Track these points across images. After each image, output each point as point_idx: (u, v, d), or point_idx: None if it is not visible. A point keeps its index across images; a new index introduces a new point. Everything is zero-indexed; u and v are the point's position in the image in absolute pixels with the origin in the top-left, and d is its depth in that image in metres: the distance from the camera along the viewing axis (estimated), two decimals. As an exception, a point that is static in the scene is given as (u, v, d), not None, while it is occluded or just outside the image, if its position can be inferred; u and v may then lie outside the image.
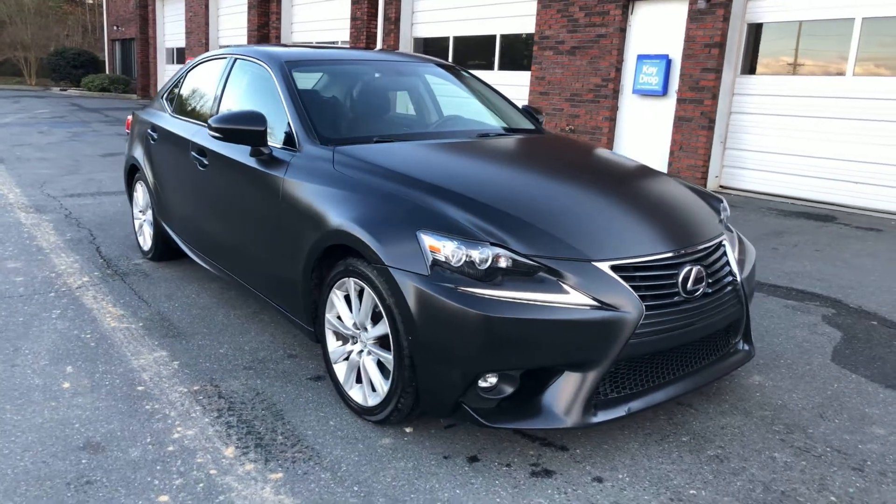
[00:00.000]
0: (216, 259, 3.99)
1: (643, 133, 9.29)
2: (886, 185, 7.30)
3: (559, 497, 2.36)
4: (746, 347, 3.04)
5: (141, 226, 5.17)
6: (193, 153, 3.99)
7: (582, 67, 9.73)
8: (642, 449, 2.66)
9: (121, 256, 5.18)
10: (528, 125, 4.06)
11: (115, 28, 29.03)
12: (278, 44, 4.09)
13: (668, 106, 8.91)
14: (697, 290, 2.64)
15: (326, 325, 3.00)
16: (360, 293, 2.77)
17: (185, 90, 4.65)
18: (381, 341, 2.71)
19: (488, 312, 2.33)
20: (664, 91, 8.86)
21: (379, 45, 13.26)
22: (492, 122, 3.99)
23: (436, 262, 2.45)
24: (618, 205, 2.81)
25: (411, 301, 2.44)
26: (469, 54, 12.13)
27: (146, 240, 5.07)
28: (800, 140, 7.96)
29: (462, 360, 2.39)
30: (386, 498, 2.34)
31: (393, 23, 13.14)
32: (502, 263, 2.43)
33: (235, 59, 4.11)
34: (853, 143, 7.52)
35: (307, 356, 3.48)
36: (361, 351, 2.83)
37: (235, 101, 3.96)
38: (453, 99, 4.10)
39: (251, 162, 3.42)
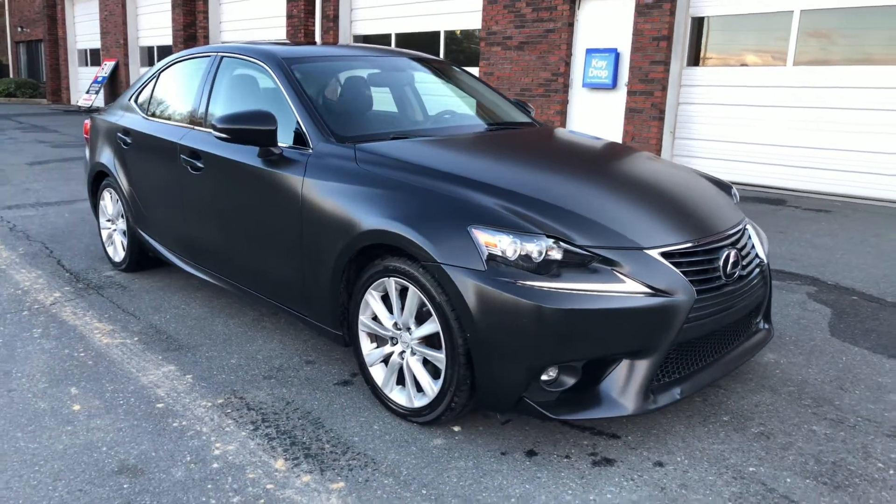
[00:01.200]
0: (212, 266, 3.82)
1: (594, 125, 9.49)
2: (829, 168, 7.72)
3: (628, 484, 2.38)
4: (766, 326, 3.15)
5: (110, 236, 4.89)
6: (183, 156, 3.80)
7: (531, 62, 9.85)
8: (690, 431, 2.72)
9: (88, 269, 4.89)
10: (526, 118, 4.07)
11: (19, 29, 27.38)
12: (266, 41, 3.95)
13: (619, 98, 9.14)
14: (734, 273, 2.71)
15: (360, 328, 2.92)
16: (401, 293, 2.71)
17: (160, 92, 4.42)
18: (428, 340, 2.66)
19: (551, 304, 2.32)
20: (614, 84, 9.07)
21: (318, 43, 13.02)
22: (494, 116, 3.98)
23: (491, 257, 2.42)
24: (652, 194, 2.86)
25: (469, 297, 2.40)
26: (412, 51, 12.07)
27: (117, 250, 4.81)
28: (745, 128, 8.31)
29: (526, 354, 2.37)
30: (458, 498, 2.30)
31: (332, 20, 12.93)
32: (557, 255, 2.42)
33: (222, 58, 3.93)
34: (795, 129, 7.91)
35: (325, 361, 3.37)
36: (403, 352, 2.77)
37: (228, 102, 3.80)
38: (451, 94, 4.06)
39: (259, 163, 3.29)
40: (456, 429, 2.74)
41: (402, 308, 2.71)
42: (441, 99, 3.98)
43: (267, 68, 3.56)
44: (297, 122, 3.27)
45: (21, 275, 4.76)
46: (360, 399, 2.99)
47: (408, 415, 2.76)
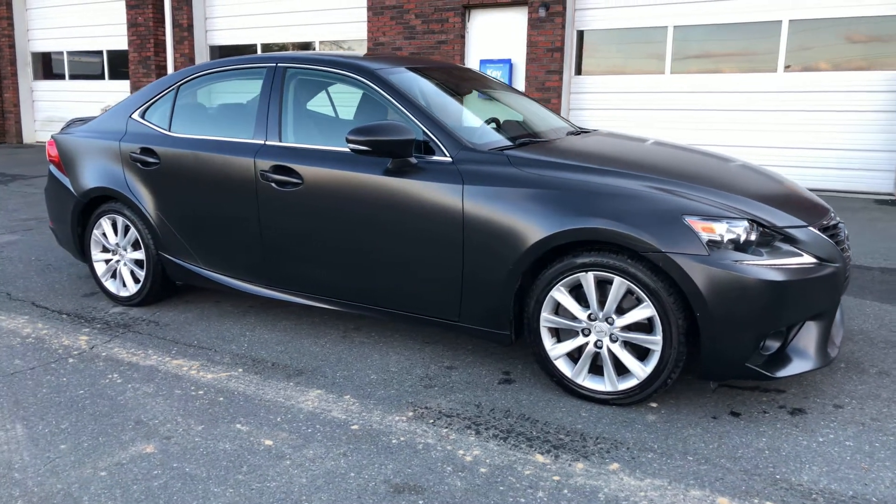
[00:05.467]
0: (299, 285, 3.66)
1: (488, 132, 10.00)
2: (705, 161, 8.94)
3: (834, 424, 2.81)
4: (831, 288, 3.78)
5: (113, 268, 4.38)
6: (264, 172, 3.60)
7: (424, 72, 10.13)
8: (829, 378, 3.23)
9: (85, 308, 4.33)
10: (571, 124, 4.40)
11: None
12: (329, 53, 3.88)
13: (515, 105, 9.74)
14: (848, 244, 3.27)
15: (542, 324, 3.05)
16: (597, 285, 2.91)
17: (190, 107, 4.08)
18: (629, 326, 2.89)
19: (774, 278, 2.68)
20: (509, 92, 9.66)
21: (170, 54, 12.14)
22: (563, 121, 4.25)
23: (710, 242, 2.72)
24: (775, 183, 3.33)
25: (699, 279, 2.68)
26: (282, 62, 11.74)
27: (126, 283, 4.32)
28: (629, 129, 9.32)
29: (755, 324, 2.70)
30: (725, 458, 2.57)
31: (185, 30, 12.15)
32: (754, 236, 2.79)
33: (285, 69, 3.77)
34: (674, 129, 9.06)
35: (464, 364, 3.42)
36: (598, 341, 2.96)
37: (313, 115, 3.67)
38: (517, 103, 4.25)
39: (386, 174, 3.26)
40: (654, 405, 2.99)
41: (609, 298, 2.91)
42: (509, 108, 4.15)
43: (364, 81, 3.52)
44: (425, 133, 3.30)
45: (6, 323, 4.10)
46: (539, 392, 3.12)
47: (611, 399, 2.95)
